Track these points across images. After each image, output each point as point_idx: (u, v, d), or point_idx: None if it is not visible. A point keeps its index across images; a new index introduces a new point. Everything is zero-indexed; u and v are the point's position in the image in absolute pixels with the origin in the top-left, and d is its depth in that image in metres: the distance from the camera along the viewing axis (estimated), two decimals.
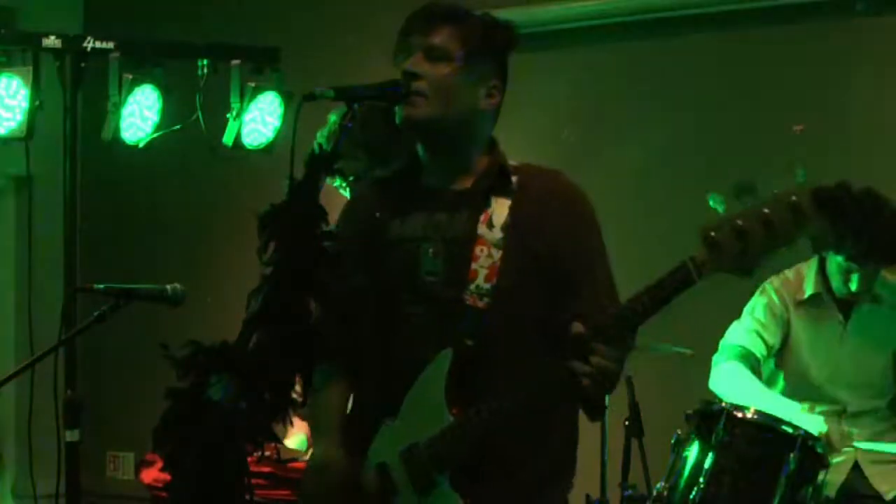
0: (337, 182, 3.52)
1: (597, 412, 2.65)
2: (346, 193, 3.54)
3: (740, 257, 2.25)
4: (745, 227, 2.22)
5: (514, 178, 2.67)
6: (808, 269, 4.26)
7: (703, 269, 2.33)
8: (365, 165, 3.44)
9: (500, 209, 2.64)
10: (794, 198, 2.19)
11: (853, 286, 4.12)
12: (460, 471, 2.54)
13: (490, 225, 2.62)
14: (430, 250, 2.64)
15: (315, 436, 2.87)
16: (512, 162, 2.72)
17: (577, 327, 2.43)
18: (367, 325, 2.71)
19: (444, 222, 2.66)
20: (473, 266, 2.60)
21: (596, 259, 2.68)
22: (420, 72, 2.60)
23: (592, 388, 2.42)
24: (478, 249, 2.60)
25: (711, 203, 2.26)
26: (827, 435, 3.94)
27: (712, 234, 2.25)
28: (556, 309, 2.60)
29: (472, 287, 2.59)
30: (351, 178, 3.49)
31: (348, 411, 2.77)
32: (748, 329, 4.24)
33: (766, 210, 2.21)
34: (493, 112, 2.70)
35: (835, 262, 4.14)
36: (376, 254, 2.71)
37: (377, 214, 2.73)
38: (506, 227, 2.61)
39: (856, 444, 4.13)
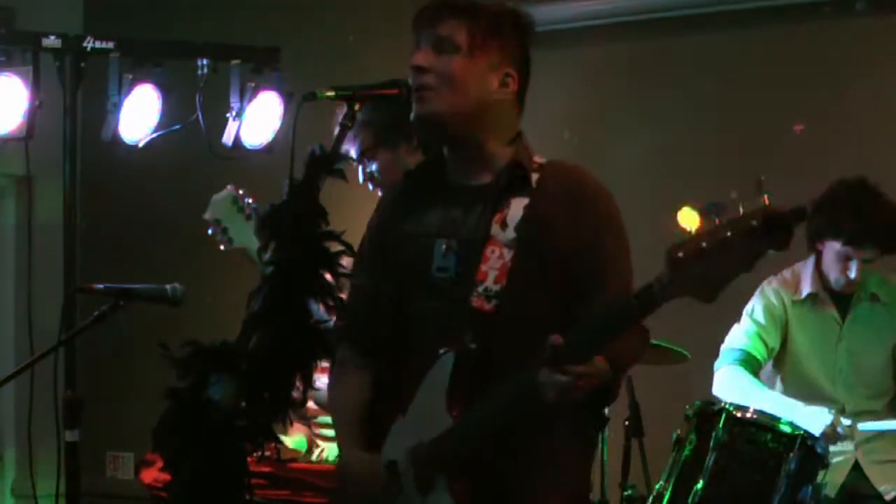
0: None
1: (596, 422, 2.66)
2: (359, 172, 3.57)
3: (702, 281, 2.16)
4: (708, 249, 2.13)
5: (535, 176, 2.64)
6: (805, 269, 4.26)
7: (668, 292, 2.24)
8: (370, 143, 3.46)
9: (516, 208, 2.61)
10: (753, 222, 2.11)
11: (852, 274, 4.11)
12: (460, 474, 2.52)
13: (504, 224, 2.60)
14: (443, 247, 2.63)
15: (337, 431, 2.80)
16: (538, 158, 2.69)
17: (554, 339, 2.36)
18: (385, 317, 2.70)
19: (458, 219, 2.65)
20: (483, 267, 2.58)
21: (612, 261, 2.61)
22: (427, 65, 2.60)
23: (556, 400, 2.37)
24: (489, 250, 2.58)
25: (681, 219, 2.20)
26: (833, 426, 3.94)
27: (679, 254, 2.16)
28: (570, 312, 2.55)
29: (481, 289, 2.57)
30: (357, 156, 3.51)
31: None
32: (748, 332, 4.24)
33: (728, 233, 2.12)
34: (511, 101, 2.67)
35: (832, 250, 4.14)
36: (394, 248, 2.71)
37: (400, 209, 2.75)
38: (519, 228, 2.59)
39: (860, 426, 4.12)
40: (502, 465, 2.54)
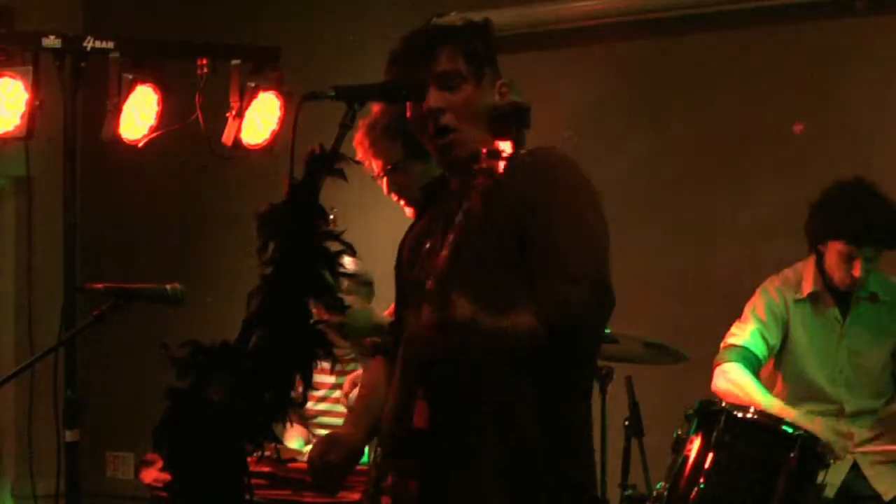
0: (377, 171, 3.50)
1: (570, 395, 2.62)
2: (383, 184, 3.53)
3: None
4: None
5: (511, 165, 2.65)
6: (806, 268, 4.27)
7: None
8: (402, 156, 3.43)
9: None
10: None
11: (856, 273, 4.11)
12: (412, 455, 2.53)
13: None
14: (427, 245, 2.68)
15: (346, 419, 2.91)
16: (522, 151, 2.68)
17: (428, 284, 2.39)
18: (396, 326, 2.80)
19: (442, 217, 2.68)
20: (444, 252, 2.54)
21: (569, 225, 2.53)
22: (443, 104, 2.60)
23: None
24: (450, 237, 2.55)
25: None
26: (829, 443, 3.93)
27: None
28: (530, 282, 2.51)
29: (437, 271, 2.58)
30: (388, 168, 3.48)
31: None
32: (749, 329, 4.24)
33: None
34: None
35: (835, 250, 4.14)
36: (400, 262, 2.80)
37: (412, 225, 2.81)
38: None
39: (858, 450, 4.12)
40: (445, 444, 2.53)
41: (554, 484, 2.56)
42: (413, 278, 2.68)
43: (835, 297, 4.24)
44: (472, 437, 2.54)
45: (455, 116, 2.61)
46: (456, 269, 2.48)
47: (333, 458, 2.74)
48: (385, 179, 3.50)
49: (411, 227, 2.86)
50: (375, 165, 3.50)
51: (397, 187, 3.48)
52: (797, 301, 4.25)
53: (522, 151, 2.67)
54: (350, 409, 3.78)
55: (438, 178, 2.82)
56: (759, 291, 4.31)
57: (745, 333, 4.24)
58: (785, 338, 4.26)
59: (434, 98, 2.61)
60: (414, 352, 2.56)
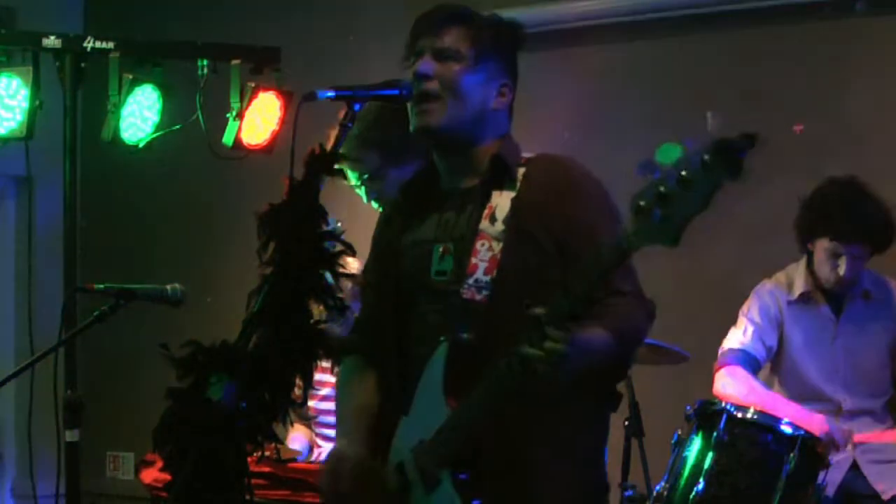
0: (354, 180, 3.53)
1: (609, 400, 2.66)
2: (362, 193, 3.55)
3: (665, 223, 2.13)
4: (666, 191, 2.12)
5: (521, 171, 2.67)
6: (797, 270, 4.28)
7: (633, 239, 2.20)
8: (378, 164, 3.45)
9: (504, 202, 2.64)
10: (704, 156, 2.08)
11: (842, 271, 4.12)
12: (462, 467, 2.52)
13: (493, 219, 2.63)
14: (440, 250, 2.67)
15: (339, 429, 2.84)
16: (526, 154, 2.72)
17: (533, 311, 2.33)
18: (389, 325, 2.73)
19: (451, 222, 2.68)
20: (473, 260, 2.60)
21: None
22: (430, 72, 2.62)
23: (549, 374, 2.32)
24: (478, 244, 2.61)
25: (659, 157, 2.19)
26: (829, 434, 3.94)
27: (640, 202, 2.14)
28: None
29: (471, 280, 2.60)
30: (365, 177, 3.50)
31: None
32: (746, 332, 4.25)
33: (683, 173, 2.11)
34: (506, 110, 2.72)
35: (822, 248, 4.15)
36: (395, 259, 2.75)
37: (399, 221, 2.78)
38: (507, 219, 2.61)
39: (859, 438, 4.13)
40: (505, 453, 2.55)
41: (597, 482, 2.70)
42: (433, 285, 2.66)
43: (827, 296, 4.24)
44: (530, 450, 2.57)
45: (440, 88, 2.62)
46: (505, 283, 2.55)
47: (344, 488, 2.64)
48: (363, 188, 3.52)
49: (398, 220, 2.80)
50: (351, 175, 3.52)
51: (376, 194, 3.52)
52: (790, 303, 4.26)
53: (529, 156, 2.70)
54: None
55: (420, 175, 2.81)
56: (751, 296, 4.32)
57: (742, 337, 4.25)
58: (780, 340, 4.26)
59: (425, 64, 2.64)
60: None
